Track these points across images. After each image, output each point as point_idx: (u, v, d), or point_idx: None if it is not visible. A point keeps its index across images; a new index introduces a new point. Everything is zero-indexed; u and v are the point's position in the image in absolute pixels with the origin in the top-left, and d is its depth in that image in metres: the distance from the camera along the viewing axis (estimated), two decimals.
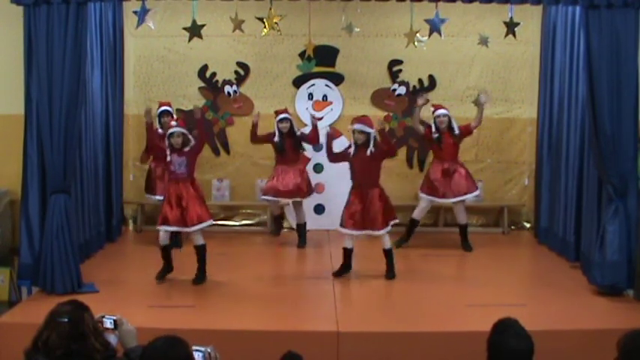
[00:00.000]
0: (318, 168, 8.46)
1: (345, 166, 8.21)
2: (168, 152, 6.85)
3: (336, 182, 8.25)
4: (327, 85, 9.30)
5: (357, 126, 6.91)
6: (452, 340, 5.52)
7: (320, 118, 8.80)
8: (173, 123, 7.11)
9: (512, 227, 9.33)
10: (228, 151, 9.29)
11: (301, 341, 4.99)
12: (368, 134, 6.89)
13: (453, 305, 6.23)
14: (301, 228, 8.44)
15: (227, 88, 9.29)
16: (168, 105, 8.27)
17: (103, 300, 6.03)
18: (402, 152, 9.37)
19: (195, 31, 7.74)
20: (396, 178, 9.36)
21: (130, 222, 9.28)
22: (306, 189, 8.29)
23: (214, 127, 9.29)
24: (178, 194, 6.77)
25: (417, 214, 8.29)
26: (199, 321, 5.80)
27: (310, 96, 9.25)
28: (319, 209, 9.20)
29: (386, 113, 9.31)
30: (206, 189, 8.98)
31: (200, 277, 6.83)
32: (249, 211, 9.24)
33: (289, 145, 8.22)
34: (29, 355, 3.28)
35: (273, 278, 7.05)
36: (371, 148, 6.88)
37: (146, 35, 8.91)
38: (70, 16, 6.30)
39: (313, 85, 9.29)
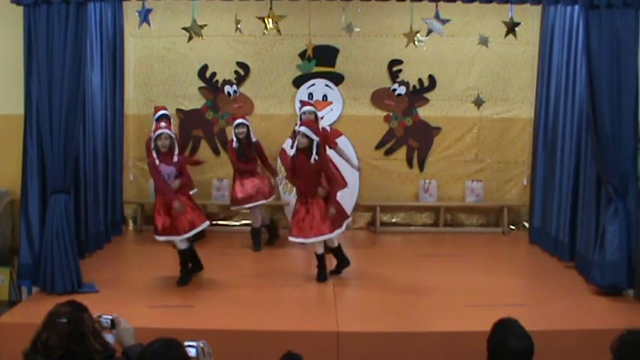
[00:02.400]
0: None
1: (346, 167, 8.20)
2: (155, 156, 6.64)
3: None
4: (327, 85, 9.29)
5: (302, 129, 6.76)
6: (452, 340, 5.52)
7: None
8: (162, 124, 6.94)
9: (512, 227, 9.33)
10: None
11: (301, 341, 4.99)
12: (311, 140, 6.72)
13: (452, 305, 6.22)
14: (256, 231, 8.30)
15: (227, 88, 9.29)
16: (164, 109, 8.23)
17: (103, 300, 6.04)
18: (402, 152, 9.38)
19: (195, 30, 7.72)
20: (397, 177, 9.38)
21: (130, 222, 9.28)
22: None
23: (214, 127, 9.29)
24: (167, 203, 6.61)
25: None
26: (199, 321, 5.80)
27: (310, 96, 9.24)
28: None
29: (386, 113, 9.32)
30: (206, 189, 9.02)
31: (183, 279, 6.77)
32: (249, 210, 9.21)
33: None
34: (28, 356, 3.27)
35: (273, 278, 7.04)
36: (314, 156, 6.75)
37: (146, 35, 8.92)
38: (70, 16, 6.31)
39: (313, 85, 9.28)
